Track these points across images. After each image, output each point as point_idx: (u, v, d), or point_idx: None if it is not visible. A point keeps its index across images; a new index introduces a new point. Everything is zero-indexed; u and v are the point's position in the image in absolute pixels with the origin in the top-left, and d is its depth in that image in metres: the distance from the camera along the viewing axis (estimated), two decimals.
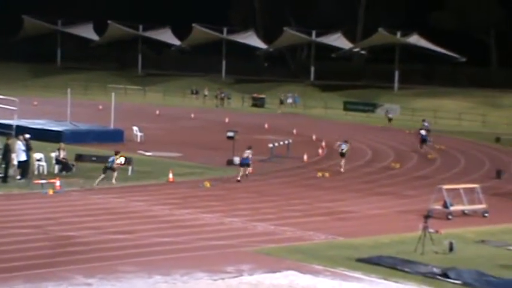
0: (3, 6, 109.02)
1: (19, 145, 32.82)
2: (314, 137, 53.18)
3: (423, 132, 50.87)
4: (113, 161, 33.90)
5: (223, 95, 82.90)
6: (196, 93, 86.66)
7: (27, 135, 34.37)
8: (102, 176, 33.18)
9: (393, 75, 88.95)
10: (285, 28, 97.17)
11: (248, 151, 36.77)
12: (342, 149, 40.23)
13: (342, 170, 39.54)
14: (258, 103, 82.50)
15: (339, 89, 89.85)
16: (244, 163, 36.34)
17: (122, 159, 34.85)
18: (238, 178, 35.38)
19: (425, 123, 54.41)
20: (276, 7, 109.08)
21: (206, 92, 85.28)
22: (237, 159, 39.87)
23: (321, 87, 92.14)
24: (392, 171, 40.78)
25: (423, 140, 50.04)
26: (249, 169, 36.60)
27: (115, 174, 33.69)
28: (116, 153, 34.52)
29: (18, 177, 32.36)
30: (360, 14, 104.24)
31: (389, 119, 67.15)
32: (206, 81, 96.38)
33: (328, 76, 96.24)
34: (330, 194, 33.17)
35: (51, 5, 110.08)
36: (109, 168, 33.59)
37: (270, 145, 42.49)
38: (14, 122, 43.66)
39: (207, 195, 31.58)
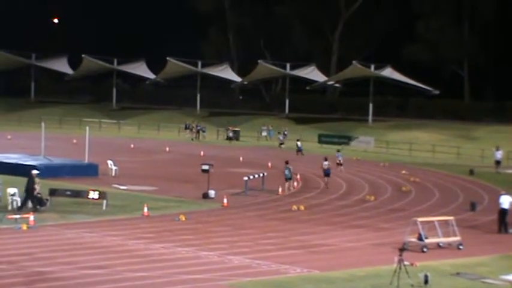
0: None
1: None
2: (280, 191, 53.03)
3: (299, 143, 65.90)
4: (290, 171, 42.51)
5: (198, 127, 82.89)
6: (189, 127, 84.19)
7: (36, 172, 35.18)
8: (287, 183, 42.51)
9: (367, 108, 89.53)
10: (259, 61, 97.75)
11: (326, 162, 45.96)
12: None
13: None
14: (232, 136, 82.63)
15: (314, 122, 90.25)
16: (327, 173, 45.69)
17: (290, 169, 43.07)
18: (327, 186, 45.13)
19: (298, 143, 66.78)
20: (250, 40, 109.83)
21: (196, 126, 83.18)
22: (212, 193, 39.93)
23: (295, 120, 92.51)
24: (367, 203, 40.90)
25: (299, 150, 64.64)
26: (326, 179, 45.73)
27: (286, 184, 42.59)
28: (287, 163, 43.05)
29: None
30: (334, 47, 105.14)
31: (229, 138, 76.31)
32: (181, 115, 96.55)
33: (302, 109, 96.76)
34: (305, 227, 33.17)
35: (24, 39, 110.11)
36: (289, 179, 42.44)
37: (245, 178, 42.50)
38: None
39: (182, 229, 31.49)
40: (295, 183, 46.44)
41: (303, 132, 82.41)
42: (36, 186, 34.97)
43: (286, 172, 43.67)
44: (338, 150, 56.24)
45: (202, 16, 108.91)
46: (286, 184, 43.71)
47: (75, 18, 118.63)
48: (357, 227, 33.70)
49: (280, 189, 43.13)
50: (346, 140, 78.50)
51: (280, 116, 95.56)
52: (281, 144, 74.22)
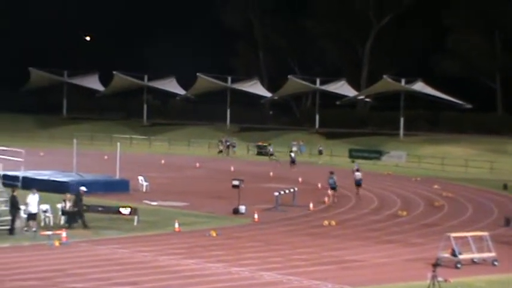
0: (10, 59, 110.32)
1: (31, 197, 32.85)
2: (320, 185, 53.12)
3: (293, 154, 69.50)
4: (334, 181, 45.37)
5: (228, 143, 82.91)
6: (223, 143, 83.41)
7: (84, 188, 35.39)
8: (331, 192, 45.48)
9: (398, 122, 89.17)
10: (289, 76, 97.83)
11: (358, 173, 48.68)
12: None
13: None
14: (263, 151, 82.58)
15: (344, 137, 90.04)
16: (358, 183, 48.25)
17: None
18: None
19: (292, 154, 69.76)
20: (280, 55, 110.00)
21: (228, 143, 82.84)
22: (243, 208, 39.92)
23: (326, 135, 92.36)
24: (400, 218, 40.65)
25: (292, 162, 67.42)
26: (334, 193, 46.34)
27: (330, 192, 45.69)
28: (332, 173, 46.20)
29: (34, 228, 32.33)
30: (364, 61, 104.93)
31: (220, 151, 79.10)
32: (211, 130, 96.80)
33: (333, 124, 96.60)
34: (337, 242, 33.03)
35: (57, 57, 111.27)
36: (333, 188, 45.34)
37: (276, 193, 42.45)
38: (20, 174, 43.67)
39: (213, 245, 31.47)
40: (326, 199, 46.30)
41: (333, 147, 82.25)
42: (68, 203, 35.15)
43: (331, 182, 46.06)
44: (353, 161, 58.13)
45: (232, 32, 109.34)
46: (330, 192, 46.10)
47: (106, 36, 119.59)
48: (389, 242, 33.49)
49: (311, 205, 43.01)
50: (377, 154, 78.23)
51: (310, 131, 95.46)
52: (271, 155, 76.61)
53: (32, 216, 32.51)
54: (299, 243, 32.43)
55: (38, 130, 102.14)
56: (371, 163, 74.07)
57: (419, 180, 60.81)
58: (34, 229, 32.17)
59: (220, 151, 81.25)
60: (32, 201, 32.76)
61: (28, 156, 48.13)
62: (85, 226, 34.02)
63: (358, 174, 49.19)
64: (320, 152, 78.12)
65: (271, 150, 78.00)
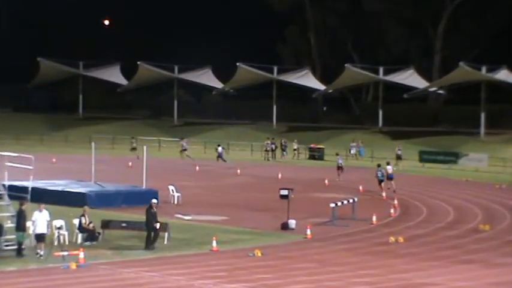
0: (15, 48, 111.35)
1: (37, 215, 33.00)
2: (384, 195, 53.02)
3: (219, 148, 74.58)
4: (382, 174, 52.68)
5: (273, 145, 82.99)
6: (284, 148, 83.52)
7: (155, 201, 35.53)
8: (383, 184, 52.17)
9: (478, 119, 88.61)
10: (346, 65, 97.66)
11: (389, 167, 54.92)
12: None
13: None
14: (316, 155, 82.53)
15: (413, 136, 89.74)
16: (390, 177, 54.07)
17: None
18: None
19: (219, 148, 74.69)
20: (335, 41, 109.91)
21: (295, 146, 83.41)
22: (293, 223, 39.99)
23: (391, 135, 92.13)
24: (481, 234, 40.43)
25: (219, 156, 73.65)
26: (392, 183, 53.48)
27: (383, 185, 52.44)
28: (379, 166, 53.87)
29: (41, 251, 32.42)
30: (437, 46, 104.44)
31: (133, 148, 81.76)
32: (254, 130, 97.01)
33: (399, 121, 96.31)
34: (406, 262, 32.96)
35: (70, 45, 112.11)
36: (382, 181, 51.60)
37: (332, 205, 42.44)
38: (29, 184, 44.07)
39: (258, 266, 31.58)
40: (392, 210, 46.22)
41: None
42: (83, 219, 35.39)
43: (379, 174, 53.21)
44: (337, 154, 65.40)
45: (278, 14, 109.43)
46: (383, 185, 53.07)
47: (129, 20, 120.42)
48: (468, 262, 33.33)
49: (374, 218, 42.94)
50: (453, 157, 77.78)
51: (372, 130, 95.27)
52: (184, 150, 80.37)
53: (40, 237, 32.55)
54: (361, 264, 32.41)
55: (49, 132, 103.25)
56: (446, 167, 73.69)
57: (504, 187, 60.42)
58: (42, 252, 32.19)
59: (269, 159, 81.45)
60: (39, 220, 32.80)
61: (38, 163, 48.57)
62: (152, 243, 34.37)
63: (389, 168, 55.40)
64: (398, 157, 76.06)
65: (184, 145, 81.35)
